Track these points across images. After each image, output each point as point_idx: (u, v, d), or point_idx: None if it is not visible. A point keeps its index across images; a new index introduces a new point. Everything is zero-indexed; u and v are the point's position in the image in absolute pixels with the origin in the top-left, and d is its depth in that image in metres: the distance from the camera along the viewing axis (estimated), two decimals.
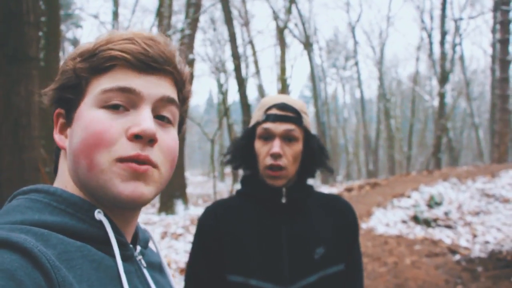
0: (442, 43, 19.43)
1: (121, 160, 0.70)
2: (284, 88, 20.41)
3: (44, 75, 6.16)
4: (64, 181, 0.76)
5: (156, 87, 0.75)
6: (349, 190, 11.63)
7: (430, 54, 22.44)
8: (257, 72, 21.76)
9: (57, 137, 0.78)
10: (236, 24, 18.49)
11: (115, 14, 16.87)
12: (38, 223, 0.65)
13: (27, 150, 3.65)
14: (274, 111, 1.45)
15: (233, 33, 13.50)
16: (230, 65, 21.03)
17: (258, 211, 1.48)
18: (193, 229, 7.97)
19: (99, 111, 0.72)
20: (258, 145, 1.47)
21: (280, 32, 20.30)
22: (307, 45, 21.02)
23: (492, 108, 20.79)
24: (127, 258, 0.75)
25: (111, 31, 0.78)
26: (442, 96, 19.28)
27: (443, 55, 19.35)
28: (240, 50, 16.21)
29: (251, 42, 20.53)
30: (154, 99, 0.74)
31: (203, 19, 20.94)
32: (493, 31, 20.38)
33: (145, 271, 0.80)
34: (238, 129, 20.33)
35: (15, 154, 3.58)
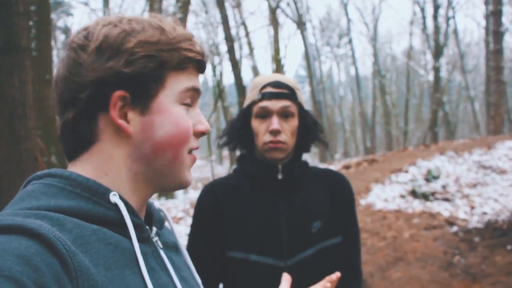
0: (435, 16, 19.33)
1: (190, 151, 0.81)
2: (278, 68, 20.33)
3: (37, 65, 6.14)
4: (106, 168, 0.74)
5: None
6: (347, 167, 11.69)
7: (424, 28, 22.32)
8: (251, 53, 21.63)
9: (120, 121, 0.73)
10: (228, 6, 18.30)
11: (106, 1, 16.68)
12: (54, 208, 0.65)
13: (24, 141, 3.66)
14: (269, 89, 1.48)
15: (225, 15, 13.41)
16: (223, 48, 20.91)
17: (256, 188, 1.51)
18: (193, 212, 8.02)
19: (181, 107, 0.77)
20: (256, 124, 1.49)
21: (273, 12, 20.13)
22: (300, 24, 20.88)
23: (487, 80, 20.78)
24: (144, 239, 0.76)
25: (161, 20, 0.78)
26: (437, 70, 19.26)
27: (437, 29, 19.27)
28: (233, 32, 16.10)
29: (243, 24, 20.36)
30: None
31: (194, 2, 20.72)
32: (486, 2, 20.22)
33: (162, 252, 0.80)
34: (234, 111, 20.32)
35: (12, 145, 3.59)
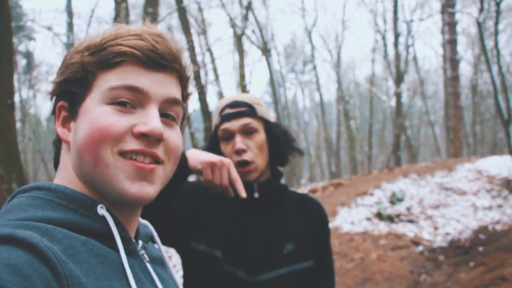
0: (395, 44, 20.01)
1: (124, 153, 0.71)
2: None
3: None
4: (66, 176, 0.75)
5: (163, 86, 0.75)
6: (313, 191, 11.77)
7: (385, 55, 23.03)
8: (217, 79, 21.75)
9: (60, 130, 0.77)
10: (194, 32, 18.45)
11: (70, 26, 16.50)
12: (42, 219, 0.65)
13: None
14: (227, 111, 1.51)
15: (191, 41, 13.49)
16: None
17: (234, 203, 1.52)
18: None
19: (105, 107, 0.71)
20: (223, 146, 1.52)
21: (238, 39, 20.39)
22: (265, 51, 21.20)
23: (445, 105, 21.55)
24: (130, 252, 0.76)
25: (118, 25, 0.78)
26: (398, 96, 19.82)
27: (397, 56, 19.92)
28: (199, 58, 16.20)
29: (209, 50, 20.52)
30: (161, 100, 0.75)
31: (159, 28, 20.75)
32: (443, 32, 21.15)
33: (148, 265, 0.80)
34: (200, 137, 20.26)
35: None
